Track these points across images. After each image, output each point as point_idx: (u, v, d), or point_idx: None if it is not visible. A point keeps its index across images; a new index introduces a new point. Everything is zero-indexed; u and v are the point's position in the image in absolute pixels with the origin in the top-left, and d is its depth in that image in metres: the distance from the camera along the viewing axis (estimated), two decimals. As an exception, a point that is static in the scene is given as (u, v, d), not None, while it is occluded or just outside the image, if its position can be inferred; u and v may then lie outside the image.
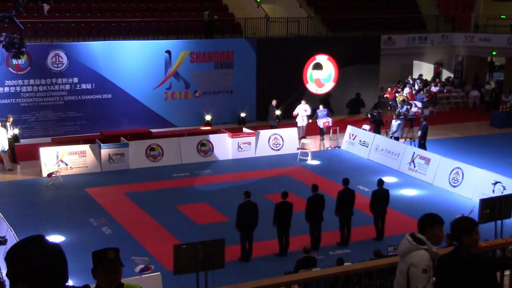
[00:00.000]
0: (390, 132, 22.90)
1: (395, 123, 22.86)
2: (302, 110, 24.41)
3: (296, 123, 24.30)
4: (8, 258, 2.71)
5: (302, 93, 27.19)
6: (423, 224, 5.33)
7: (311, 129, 24.73)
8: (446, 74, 33.94)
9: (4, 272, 11.80)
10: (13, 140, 20.50)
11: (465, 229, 5.11)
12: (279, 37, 27.42)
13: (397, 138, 22.58)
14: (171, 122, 25.42)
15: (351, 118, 25.87)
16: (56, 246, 2.76)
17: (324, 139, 24.50)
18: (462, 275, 4.94)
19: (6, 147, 19.98)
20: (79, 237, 14.95)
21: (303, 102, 24.68)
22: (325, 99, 27.51)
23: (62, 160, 19.63)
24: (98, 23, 25.06)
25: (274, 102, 24.75)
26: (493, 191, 17.08)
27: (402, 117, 23.85)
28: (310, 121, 24.67)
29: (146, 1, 27.26)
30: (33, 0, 25.26)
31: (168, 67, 25.23)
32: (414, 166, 20.23)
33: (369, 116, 24.17)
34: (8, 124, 20.32)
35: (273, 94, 26.55)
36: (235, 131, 22.87)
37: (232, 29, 27.39)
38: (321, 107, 24.90)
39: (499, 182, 17.31)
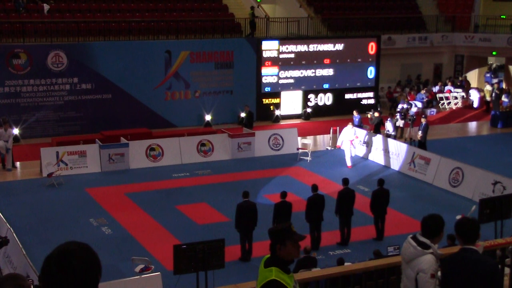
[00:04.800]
0: (386, 131, 23.02)
1: (393, 123, 22.94)
2: (349, 135, 21.21)
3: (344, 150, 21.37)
4: None
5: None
6: (437, 228, 5.19)
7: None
8: (446, 74, 33.94)
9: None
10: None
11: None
12: (279, 37, 27.43)
13: (394, 137, 22.65)
14: (171, 122, 25.43)
15: (351, 118, 25.78)
16: (69, 264, 2.60)
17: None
18: (470, 277, 4.88)
19: (10, 147, 19.99)
20: (79, 237, 14.91)
21: (350, 125, 21.59)
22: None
23: (62, 160, 19.63)
24: (98, 23, 25.06)
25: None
26: (493, 191, 17.07)
27: (402, 116, 23.88)
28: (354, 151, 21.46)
29: (146, 1, 27.26)
30: (33, 0, 25.26)
31: (168, 67, 25.24)
32: (414, 166, 20.23)
33: (369, 116, 24.16)
34: None
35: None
36: (235, 131, 22.87)
37: (232, 29, 27.39)
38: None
39: (499, 182, 17.30)
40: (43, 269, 2.63)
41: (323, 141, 24.47)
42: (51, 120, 23.61)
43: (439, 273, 5.24)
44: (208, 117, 25.74)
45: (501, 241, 7.06)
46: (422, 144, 21.84)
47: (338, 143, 21.56)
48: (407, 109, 25.75)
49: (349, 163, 20.82)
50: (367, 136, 22.26)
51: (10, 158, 20.10)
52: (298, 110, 27.86)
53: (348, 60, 28.57)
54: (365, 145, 22.25)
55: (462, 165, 18.84)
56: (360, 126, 23.16)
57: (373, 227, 15.21)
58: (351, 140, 21.10)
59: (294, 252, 4.49)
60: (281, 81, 27.38)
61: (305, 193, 15.78)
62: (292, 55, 27.40)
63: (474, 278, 4.86)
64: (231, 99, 26.27)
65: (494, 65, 38.93)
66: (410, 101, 28.90)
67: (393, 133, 22.91)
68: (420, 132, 21.98)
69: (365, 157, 22.03)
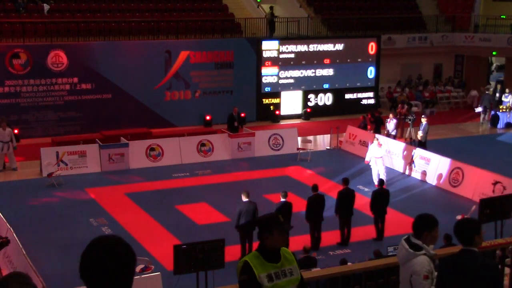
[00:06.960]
0: (385, 131, 22.99)
1: (393, 123, 22.96)
2: (376, 152, 19.18)
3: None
4: None
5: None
6: (421, 228, 5.16)
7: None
8: (446, 74, 33.93)
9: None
10: None
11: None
12: (279, 37, 27.42)
13: (394, 137, 22.63)
14: (171, 122, 25.42)
15: (351, 118, 25.79)
16: (117, 250, 2.85)
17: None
18: (469, 280, 4.80)
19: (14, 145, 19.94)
20: (79, 237, 14.89)
21: (376, 142, 19.43)
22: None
23: (62, 160, 19.63)
24: (98, 23, 25.05)
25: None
26: (493, 191, 17.07)
27: (402, 116, 23.86)
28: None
29: (146, 1, 27.26)
30: (33, 0, 25.26)
31: (168, 67, 25.23)
32: (414, 166, 20.22)
33: (370, 116, 24.16)
34: None
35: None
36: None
37: (232, 29, 27.39)
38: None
39: (499, 182, 17.30)
40: (92, 255, 2.83)
41: (323, 141, 24.47)
42: (51, 120, 23.60)
43: (435, 273, 5.20)
44: (208, 117, 25.72)
45: (501, 241, 7.06)
46: (422, 144, 21.83)
47: (367, 159, 19.54)
48: (407, 109, 25.73)
49: (376, 181, 18.26)
50: (406, 151, 20.73)
51: (12, 157, 20.02)
52: (298, 110, 27.86)
53: (348, 60, 28.57)
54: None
55: (462, 165, 18.85)
56: (364, 127, 23.18)
57: (373, 227, 15.21)
58: (377, 157, 19.03)
59: (281, 241, 4.59)
60: (281, 81, 27.38)
61: (305, 193, 15.78)
62: (292, 55, 27.39)
63: (474, 281, 4.77)
64: (231, 99, 26.25)
65: (494, 65, 38.98)
66: (410, 101, 28.90)
67: (393, 133, 22.92)
68: (420, 132, 21.98)
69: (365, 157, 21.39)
